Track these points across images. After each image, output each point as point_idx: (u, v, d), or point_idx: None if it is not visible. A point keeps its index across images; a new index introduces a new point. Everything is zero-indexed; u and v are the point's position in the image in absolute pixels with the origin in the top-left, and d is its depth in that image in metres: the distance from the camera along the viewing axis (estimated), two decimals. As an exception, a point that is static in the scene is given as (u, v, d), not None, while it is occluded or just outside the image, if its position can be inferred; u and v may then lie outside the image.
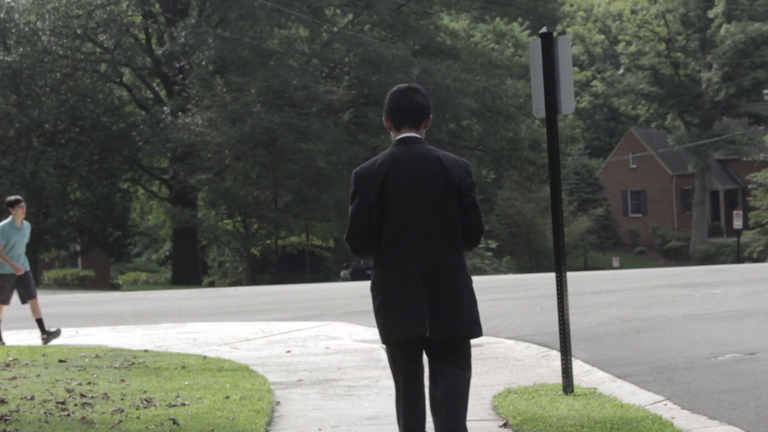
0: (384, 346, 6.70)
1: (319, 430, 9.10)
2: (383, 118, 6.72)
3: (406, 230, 6.48)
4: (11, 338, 17.30)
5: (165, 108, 52.57)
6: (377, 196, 6.49)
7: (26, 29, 51.29)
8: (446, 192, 6.48)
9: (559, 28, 68.84)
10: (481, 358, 13.15)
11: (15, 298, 16.78)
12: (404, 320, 6.45)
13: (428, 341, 6.51)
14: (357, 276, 52.31)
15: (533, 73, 10.40)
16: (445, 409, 6.46)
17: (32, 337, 17.39)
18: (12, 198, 16.91)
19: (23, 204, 16.88)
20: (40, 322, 16.38)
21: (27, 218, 57.01)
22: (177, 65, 52.67)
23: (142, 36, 56.12)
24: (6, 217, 17.12)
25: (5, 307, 16.78)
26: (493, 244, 62.68)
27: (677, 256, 72.10)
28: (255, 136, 49.29)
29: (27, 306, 22.06)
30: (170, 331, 17.80)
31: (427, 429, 6.60)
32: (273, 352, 14.53)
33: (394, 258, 6.49)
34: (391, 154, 6.56)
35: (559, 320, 10.28)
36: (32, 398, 10.39)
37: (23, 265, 16.62)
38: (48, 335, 16.30)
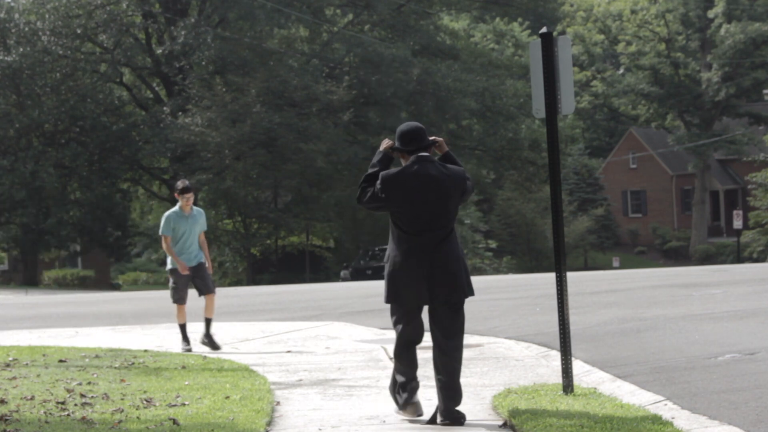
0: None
1: (319, 430, 9.10)
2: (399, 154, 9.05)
3: (416, 228, 8.76)
4: (11, 338, 17.28)
5: (165, 108, 52.55)
6: (393, 198, 8.78)
7: (26, 29, 51.25)
8: (446, 196, 8.80)
9: (559, 28, 68.82)
10: (481, 358, 13.15)
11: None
12: (412, 289, 8.82)
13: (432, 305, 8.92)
14: (357, 276, 52.30)
15: (533, 73, 10.40)
16: (448, 359, 8.93)
17: (32, 337, 17.38)
18: (179, 184, 15.25)
19: (189, 193, 15.11)
20: (208, 322, 15.02)
21: (27, 218, 56.81)
22: (177, 65, 52.65)
23: (142, 36, 56.08)
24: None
25: (186, 307, 15.30)
26: (493, 244, 62.67)
27: (677, 256, 72.11)
28: (255, 136, 49.27)
29: (34, 303, 21.97)
30: (170, 331, 17.79)
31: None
32: (273, 352, 14.53)
33: (403, 248, 8.79)
34: (407, 167, 8.86)
35: (559, 320, 10.28)
36: (32, 398, 10.40)
37: (195, 258, 15.14)
38: (210, 340, 14.92)
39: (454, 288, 8.81)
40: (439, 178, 8.80)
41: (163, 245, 15.20)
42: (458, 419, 8.88)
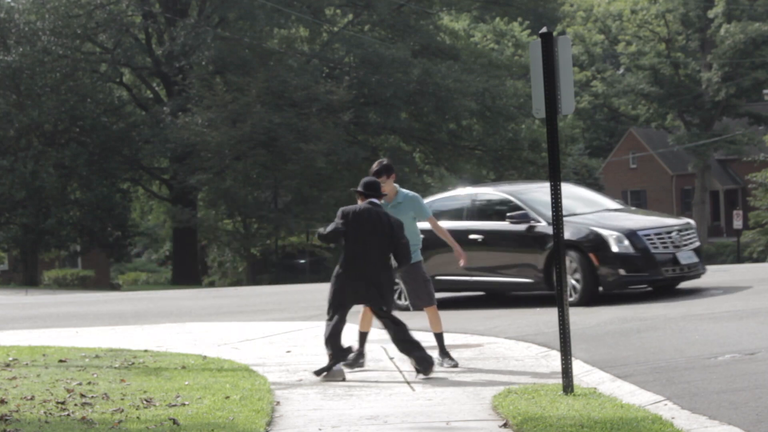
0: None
1: (319, 430, 9.11)
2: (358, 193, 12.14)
3: (362, 250, 11.87)
4: (11, 338, 17.26)
5: (165, 108, 52.55)
6: (350, 227, 11.87)
7: (26, 29, 51.25)
8: (386, 234, 11.84)
9: (559, 28, 68.74)
10: (481, 358, 13.15)
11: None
12: (352, 294, 12.06)
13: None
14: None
15: (533, 73, 10.40)
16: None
17: (32, 337, 17.37)
18: (375, 166, 12.83)
19: (381, 177, 12.59)
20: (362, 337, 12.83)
21: (27, 218, 56.42)
22: (177, 65, 52.66)
23: (142, 36, 56.09)
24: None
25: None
26: (493, 244, 62.46)
27: (677, 256, 71.89)
28: (255, 136, 49.26)
29: (34, 303, 21.69)
30: (170, 331, 17.79)
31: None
32: (273, 352, 14.53)
33: (350, 264, 11.96)
34: (362, 207, 11.99)
35: (559, 320, 10.28)
36: (32, 398, 10.40)
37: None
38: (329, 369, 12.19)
39: (379, 298, 11.93)
40: (380, 220, 11.87)
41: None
42: (428, 361, 11.91)
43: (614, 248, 17.38)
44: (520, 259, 18.00)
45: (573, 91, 10.37)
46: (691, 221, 18.84)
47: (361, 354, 12.69)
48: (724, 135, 70.59)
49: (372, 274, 11.90)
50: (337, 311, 12.12)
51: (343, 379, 11.86)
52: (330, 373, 11.94)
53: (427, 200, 19.48)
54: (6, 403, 10.11)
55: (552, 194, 10.42)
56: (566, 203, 18.55)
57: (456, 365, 12.50)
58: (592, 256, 17.33)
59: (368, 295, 11.97)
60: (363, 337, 12.81)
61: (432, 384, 11.49)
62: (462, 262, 13.16)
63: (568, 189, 20.02)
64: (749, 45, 67.92)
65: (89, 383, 11.46)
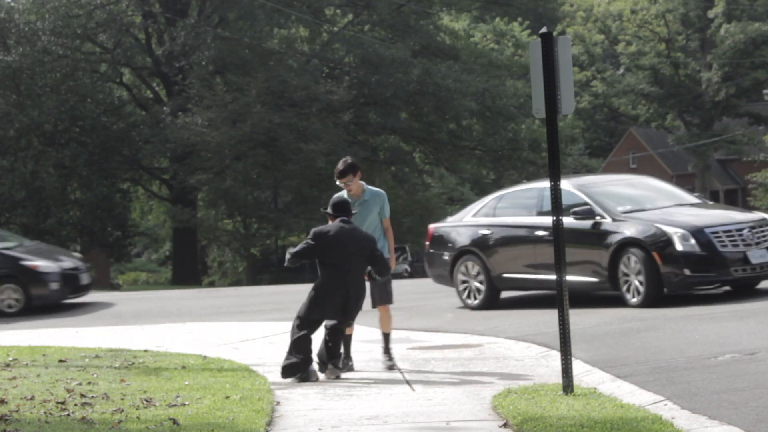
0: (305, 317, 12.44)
1: (319, 430, 9.11)
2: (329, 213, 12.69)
3: (340, 269, 12.16)
4: (11, 338, 17.26)
5: (165, 108, 52.53)
6: (326, 245, 12.24)
7: (26, 29, 51.22)
8: (360, 251, 12.19)
9: (559, 28, 68.72)
10: (481, 358, 13.15)
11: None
12: (330, 311, 12.29)
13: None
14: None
15: (533, 73, 10.41)
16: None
17: (32, 337, 17.37)
18: (339, 165, 12.93)
19: (345, 177, 12.81)
20: (385, 338, 12.92)
21: (27, 218, 56.21)
22: (177, 65, 52.64)
23: (142, 36, 56.08)
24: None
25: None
26: (494, 244, 62.43)
27: (677, 255, 71.89)
28: (255, 136, 49.24)
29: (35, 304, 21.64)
30: (170, 331, 17.80)
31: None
32: (273, 352, 14.53)
33: (330, 280, 12.19)
34: (336, 226, 12.33)
35: (559, 320, 10.28)
36: (32, 398, 10.40)
37: None
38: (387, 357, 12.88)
39: (352, 313, 12.32)
40: (354, 238, 12.19)
41: None
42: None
43: (679, 246, 16.37)
44: (584, 257, 16.99)
45: (573, 91, 10.38)
46: (767, 217, 17.75)
47: (348, 356, 12.78)
48: (724, 135, 70.62)
49: (351, 291, 12.18)
50: (309, 327, 12.35)
51: (317, 380, 12.09)
52: (306, 374, 12.17)
53: (497, 194, 19.42)
54: (6, 403, 10.11)
55: (552, 194, 10.42)
56: (638, 197, 17.95)
57: (393, 365, 12.66)
58: (655, 254, 16.36)
59: (344, 310, 12.24)
60: (347, 339, 12.83)
61: (432, 384, 11.49)
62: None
63: (643, 181, 19.50)
64: (749, 45, 67.94)
65: (89, 383, 11.46)
